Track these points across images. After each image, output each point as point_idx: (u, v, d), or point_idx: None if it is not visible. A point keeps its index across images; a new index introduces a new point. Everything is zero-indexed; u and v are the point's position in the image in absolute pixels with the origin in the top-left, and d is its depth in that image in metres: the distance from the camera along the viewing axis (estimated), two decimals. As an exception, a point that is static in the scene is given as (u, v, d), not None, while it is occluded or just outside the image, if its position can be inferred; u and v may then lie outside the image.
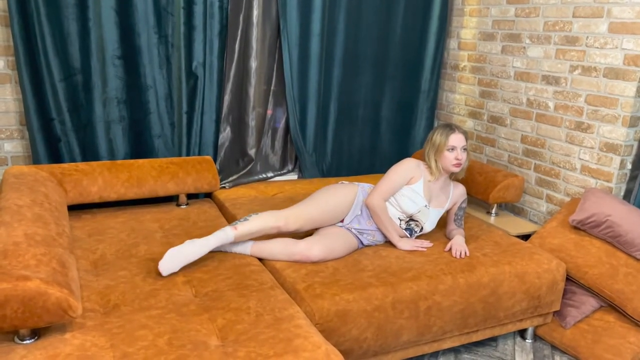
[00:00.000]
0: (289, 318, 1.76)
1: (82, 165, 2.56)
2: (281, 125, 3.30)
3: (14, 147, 2.77)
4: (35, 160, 2.69)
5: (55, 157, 2.72)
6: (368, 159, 3.59)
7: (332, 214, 2.37)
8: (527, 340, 2.53)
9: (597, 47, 2.69)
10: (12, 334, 1.57)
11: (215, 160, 3.07)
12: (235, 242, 2.22)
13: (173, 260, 2.02)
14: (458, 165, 2.39)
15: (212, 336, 1.67)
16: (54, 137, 2.70)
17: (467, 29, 3.47)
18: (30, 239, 1.72)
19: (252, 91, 3.11)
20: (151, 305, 1.80)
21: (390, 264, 2.23)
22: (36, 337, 1.57)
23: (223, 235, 2.15)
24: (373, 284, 2.05)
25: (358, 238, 2.40)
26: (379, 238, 2.44)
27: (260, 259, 2.27)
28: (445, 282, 2.13)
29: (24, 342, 1.55)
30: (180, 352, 1.56)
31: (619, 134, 2.64)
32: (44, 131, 2.67)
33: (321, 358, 1.59)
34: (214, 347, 1.61)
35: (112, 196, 2.57)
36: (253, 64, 3.08)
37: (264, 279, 2.03)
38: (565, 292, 2.54)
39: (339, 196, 2.40)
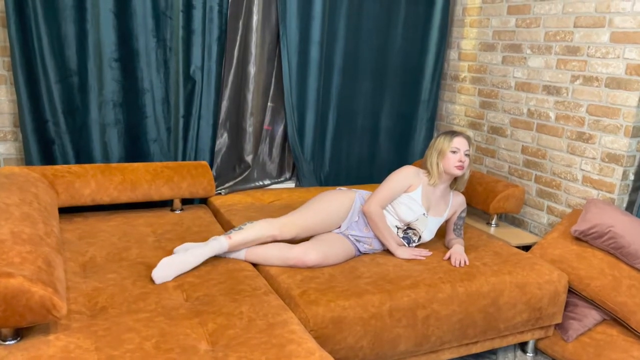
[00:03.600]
0: (282, 324, 1.70)
1: (75, 167, 2.52)
2: (279, 132, 3.27)
3: (6, 149, 2.72)
4: (27, 162, 2.64)
5: (48, 159, 2.68)
6: (367, 168, 3.55)
7: (328, 222, 2.32)
8: (528, 354, 2.46)
9: (599, 57, 2.67)
10: (-7, 335, 1.51)
11: (211, 166, 3.02)
12: (230, 251, 2.17)
13: (166, 269, 1.97)
14: (460, 167, 2.34)
15: (202, 341, 1.60)
16: (48, 139, 2.65)
17: (467, 40, 3.46)
18: (17, 237, 1.67)
19: (250, 97, 3.08)
20: (140, 308, 1.74)
21: (388, 272, 2.17)
22: (19, 338, 1.51)
23: (217, 245, 2.11)
24: (370, 290, 1.99)
25: (355, 245, 2.35)
26: (376, 246, 2.39)
27: (254, 265, 2.22)
28: (444, 290, 2.08)
29: (6, 343, 1.49)
30: (168, 356, 1.49)
31: (621, 144, 2.60)
32: (38, 133, 2.63)
33: (314, 364, 1.53)
34: (203, 351, 1.55)
35: (105, 199, 2.52)
36: (252, 69, 3.06)
37: (258, 284, 1.97)
38: (567, 304, 2.47)
39: (336, 203, 2.35)
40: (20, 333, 1.52)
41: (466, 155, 2.36)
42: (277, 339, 1.61)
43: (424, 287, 2.06)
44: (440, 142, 2.38)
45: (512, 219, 3.22)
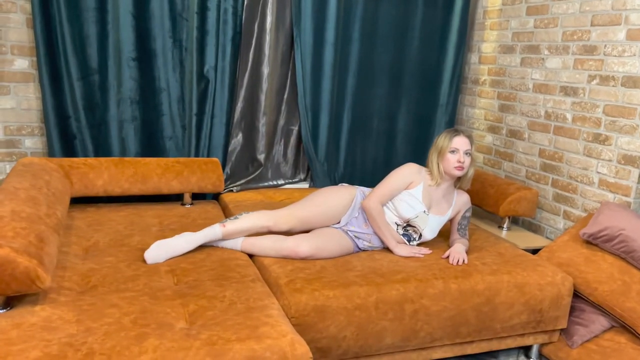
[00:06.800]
0: (261, 308, 1.73)
1: (90, 160, 2.64)
2: (294, 133, 3.31)
3: (33, 143, 2.89)
4: (50, 155, 2.79)
5: (70, 153, 2.83)
6: (382, 171, 3.53)
7: (325, 216, 2.33)
8: (531, 359, 2.37)
9: (615, 55, 2.58)
10: (-15, 304, 1.61)
11: (225, 164, 3.10)
12: (225, 239, 2.22)
13: (159, 250, 2.05)
14: (460, 168, 2.31)
15: (180, 320, 1.65)
16: (70, 134, 2.80)
17: (487, 43, 3.42)
18: (16, 215, 1.78)
19: (263, 97, 3.15)
20: (128, 288, 1.81)
21: (381, 266, 2.16)
22: (8, 308, 1.60)
23: (211, 233, 2.17)
24: (357, 282, 1.99)
25: (354, 242, 2.35)
26: (375, 243, 2.38)
27: (250, 255, 2.26)
28: (435, 286, 2.04)
29: (-5, 311, 1.58)
30: (141, 330, 1.55)
31: (637, 145, 2.49)
32: (61, 128, 2.78)
33: (284, 346, 1.54)
34: (178, 328, 1.59)
35: (117, 190, 2.63)
36: (265, 70, 3.12)
37: (248, 272, 2.01)
38: (573, 309, 2.38)
39: (335, 198, 2.36)
40: (10, 303, 1.62)
41: (466, 154, 2.32)
42: (252, 322, 1.64)
43: (415, 282, 2.04)
44: (439, 142, 2.36)
45: (528, 224, 3.12)
